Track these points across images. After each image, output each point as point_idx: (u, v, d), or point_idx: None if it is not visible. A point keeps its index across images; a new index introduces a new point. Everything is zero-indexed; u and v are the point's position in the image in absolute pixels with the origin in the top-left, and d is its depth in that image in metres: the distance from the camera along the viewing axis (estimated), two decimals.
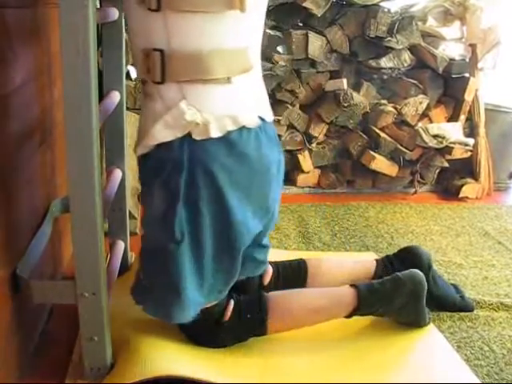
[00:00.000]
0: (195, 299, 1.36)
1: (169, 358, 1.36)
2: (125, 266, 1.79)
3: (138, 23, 1.26)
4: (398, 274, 1.60)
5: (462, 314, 1.75)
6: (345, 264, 1.77)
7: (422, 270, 1.65)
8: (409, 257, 1.75)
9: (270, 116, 1.40)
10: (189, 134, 1.25)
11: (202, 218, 1.30)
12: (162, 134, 1.26)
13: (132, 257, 1.90)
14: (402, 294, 1.57)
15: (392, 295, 1.57)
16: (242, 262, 1.39)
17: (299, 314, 1.54)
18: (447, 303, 1.75)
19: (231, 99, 1.30)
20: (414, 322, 1.64)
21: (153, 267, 1.37)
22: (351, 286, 1.58)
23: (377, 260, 1.77)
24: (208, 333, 1.46)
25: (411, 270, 1.63)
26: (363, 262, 1.81)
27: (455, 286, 1.84)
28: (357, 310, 1.56)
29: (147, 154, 1.30)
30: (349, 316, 1.56)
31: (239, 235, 1.34)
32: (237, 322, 1.47)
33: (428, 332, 1.63)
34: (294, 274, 1.68)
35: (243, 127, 1.30)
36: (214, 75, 1.25)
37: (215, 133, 1.26)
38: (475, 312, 1.77)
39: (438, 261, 2.10)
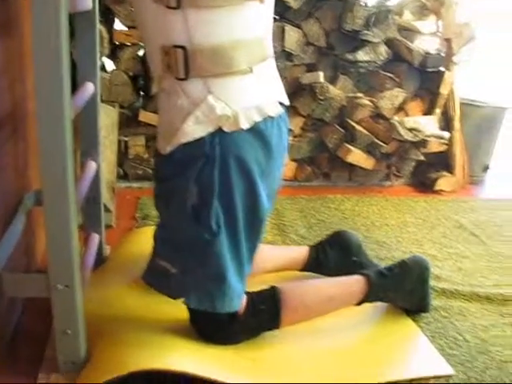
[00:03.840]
0: (237, 287, 1.40)
1: (147, 352, 1.34)
2: (100, 259, 1.77)
3: (155, 21, 1.25)
4: (404, 259, 1.66)
5: (436, 304, 1.77)
6: (277, 251, 1.84)
7: (352, 250, 1.79)
8: (338, 238, 1.84)
9: (286, 99, 1.44)
10: (219, 128, 1.27)
11: (236, 208, 1.33)
12: (194, 130, 1.27)
13: (108, 250, 1.89)
14: (409, 279, 1.63)
15: (401, 280, 1.63)
16: None
17: (312, 303, 1.56)
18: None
19: (254, 89, 1.33)
20: (419, 307, 1.70)
21: (191, 261, 1.37)
22: (361, 273, 1.61)
23: (309, 246, 1.85)
24: (222, 329, 1.45)
25: (415, 255, 1.72)
26: (296, 249, 1.89)
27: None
28: (367, 297, 1.59)
29: (171, 151, 1.31)
30: (359, 303, 1.59)
31: (264, 222, 1.41)
32: (251, 316, 1.46)
33: (403, 323, 1.66)
34: None
35: (268, 117, 1.33)
36: (237, 67, 1.27)
37: (244, 124, 1.29)
38: (449, 303, 1.80)
39: (412, 252, 2.12)
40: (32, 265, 1.71)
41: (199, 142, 1.28)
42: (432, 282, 1.88)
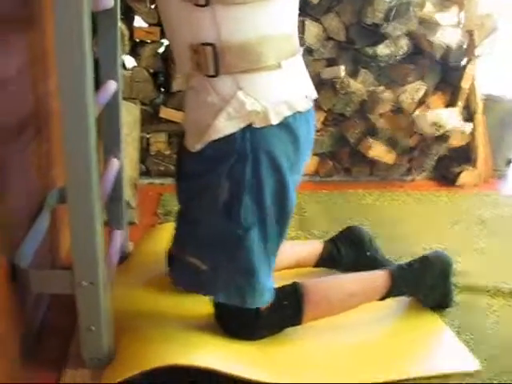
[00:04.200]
0: (267, 282, 1.41)
1: (171, 348, 1.35)
2: (123, 256, 1.79)
3: (182, 19, 1.26)
4: (426, 255, 1.65)
5: (460, 300, 1.76)
6: (290, 248, 1.79)
7: (364, 244, 1.78)
8: (350, 234, 1.83)
9: (315, 93, 1.44)
10: (249, 124, 1.28)
11: (266, 203, 1.34)
12: (226, 126, 1.28)
13: (131, 246, 1.90)
14: (431, 274, 1.62)
15: (422, 275, 1.62)
16: None
17: (335, 299, 1.55)
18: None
19: (283, 84, 1.33)
20: (442, 303, 1.68)
21: (222, 256, 1.38)
22: (383, 268, 1.61)
23: (324, 241, 1.84)
24: (247, 325, 1.45)
25: (437, 250, 1.72)
26: (309, 245, 1.88)
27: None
28: (390, 292, 1.58)
29: (201, 148, 1.31)
30: (382, 298, 1.58)
31: (291, 217, 1.42)
32: (274, 311, 1.46)
33: (427, 318, 1.65)
34: None
35: (297, 112, 1.33)
36: (265, 62, 1.27)
37: (274, 120, 1.29)
38: (473, 298, 1.78)
39: (434, 248, 2.10)
40: (57, 262, 1.73)
41: (230, 138, 1.28)
42: (455, 278, 1.87)
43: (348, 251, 1.80)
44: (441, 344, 1.59)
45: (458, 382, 1.42)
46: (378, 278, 1.59)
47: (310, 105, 1.39)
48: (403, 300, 1.68)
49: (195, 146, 1.32)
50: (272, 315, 1.46)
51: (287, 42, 1.33)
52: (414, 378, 1.42)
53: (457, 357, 1.52)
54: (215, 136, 1.28)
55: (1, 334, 1.25)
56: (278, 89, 1.32)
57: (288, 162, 1.34)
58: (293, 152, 1.35)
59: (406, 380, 1.42)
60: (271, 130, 1.30)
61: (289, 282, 1.53)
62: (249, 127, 1.28)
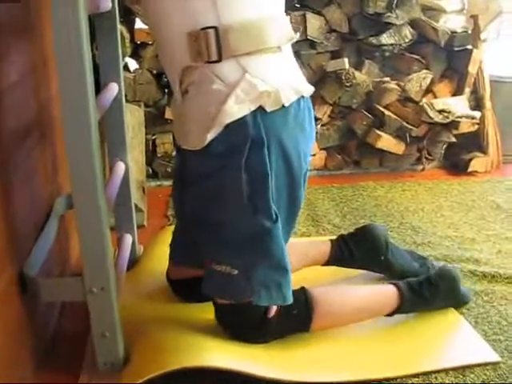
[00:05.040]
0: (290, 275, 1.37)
1: (184, 351, 1.34)
2: (133, 260, 1.78)
3: (177, 9, 1.23)
4: (430, 276, 1.58)
5: (477, 289, 1.73)
6: (299, 248, 1.71)
7: (379, 249, 1.69)
8: (365, 237, 1.72)
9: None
10: (260, 107, 1.24)
11: (281, 192, 1.31)
12: (236, 110, 1.23)
13: (140, 249, 1.89)
14: (439, 297, 1.57)
15: (432, 301, 1.57)
16: None
17: (344, 311, 1.50)
18: (408, 275, 1.66)
19: (286, 68, 1.31)
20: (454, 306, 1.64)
21: (253, 255, 1.32)
22: (394, 284, 1.55)
23: (331, 240, 1.73)
24: (253, 328, 1.40)
25: (440, 268, 1.63)
26: (317, 244, 1.77)
27: (412, 253, 1.81)
28: (397, 312, 1.53)
29: (211, 140, 1.26)
30: (390, 315, 1.53)
31: (299, 208, 1.40)
32: (283, 319, 1.41)
33: (445, 311, 1.61)
34: None
35: (301, 97, 1.31)
36: (268, 44, 1.25)
37: (286, 101, 1.26)
38: (491, 287, 1.75)
39: (450, 236, 2.08)
40: (67, 268, 1.72)
41: (241, 123, 1.24)
42: (472, 266, 1.85)
43: (361, 254, 1.71)
44: (457, 335, 1.55)
45: (478, 374, 1.39)
46: (388, 296, 1.53)
47: (312, 90, 1.37)
48: None
49: (204, 139, 1.25)
50: (280, 323, 1.41)
51: (286, 24, 1.32)
52: (430, 372, 1.39)
53: (474, 348, 1.48)
54: (226, 120, 1.23)
55: (14, 343, 1.24)
56: (282, 72, 1.29)
57: (296, 148, 1.31)
58: (301, 138, 1.33)
59: (423, 373, 1.38)
60: (280, 114, 1.27)
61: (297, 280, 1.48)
62: (260, 110, 1.24)
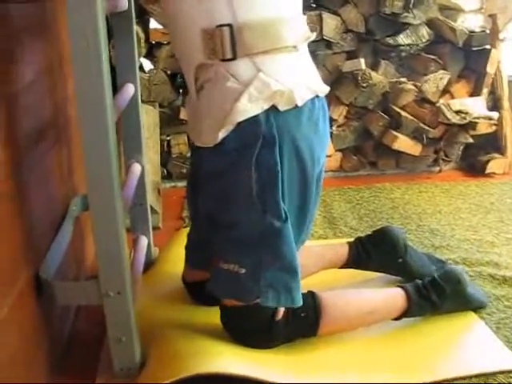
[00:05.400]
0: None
1: (200, 356, 1.31)
2: (149, 262, 1.76)
3: (194, 7, 1.22)
4: (436, 278, 1.55)
5: (498, 293, 1.69)
6: (316, 251, 1.69)
7: (397, 251, 1.67)
8: (383, 239, 1.70)
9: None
10: (273, 106, 1.23)
11: (292, 192, 1.29)
12: (249, 108, 1.22)
13: (156, 252, 1.87)
14: (445, 297, 1.53)
15: (440, 305, 1.54)
16: None
17: (353, 317, 1.48)
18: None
19: (301, 67, 1.30)
20: (464, 310, 1.60)
21: (262, 254, 1.30)
22: (401, 287, 1.52)
23: (349, 243, 1.71)
24: (260, 332, 1.37)
25: (445, 270, 1.60)
26: (335, 246, 1.74)
27: (430, 256, 1.79)
28: (405, 316, 1.51)
29: (224, 138, 1.25)
30: (398, 318, 1.51)
31: (311, 210, 1.37)
32: (291, 322, 1.38)
33: (465, 315, 1.58)
34: None
35: (316, 96, 1.30)
36: (285, 43, 1.24)
37: (299, 101, 1.25)
38: None
39: (468, 239, 2.05)
40: (82, 271, 1.70)
41: (254, 121, 1.23)
42: (492, 270, 1.81)
43: (379, 256, 1.68)
44: (478, 342, 1.51)
45: (501, 382, 1.35)
46: (396, 300, 1.51)
47: (327, 89, 1.36)
48: None
49: (216, 136, 1.25)
50: (288, 326, 1.38)
51: (302, 24, 1.31)
52: (448, 379, 1.34)
53: (496, 355, 1.44)
54: (238, 118, 1.22)
55: (29, 346, 1.22)
56: (297, 71, 1.28)
57: (309, 148, 1.30)
58: (315, 138, 1.31)
59: (443, 380, 1.34)
60: (293, 113, 1.25)
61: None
62: (273, 110, 1.23)
